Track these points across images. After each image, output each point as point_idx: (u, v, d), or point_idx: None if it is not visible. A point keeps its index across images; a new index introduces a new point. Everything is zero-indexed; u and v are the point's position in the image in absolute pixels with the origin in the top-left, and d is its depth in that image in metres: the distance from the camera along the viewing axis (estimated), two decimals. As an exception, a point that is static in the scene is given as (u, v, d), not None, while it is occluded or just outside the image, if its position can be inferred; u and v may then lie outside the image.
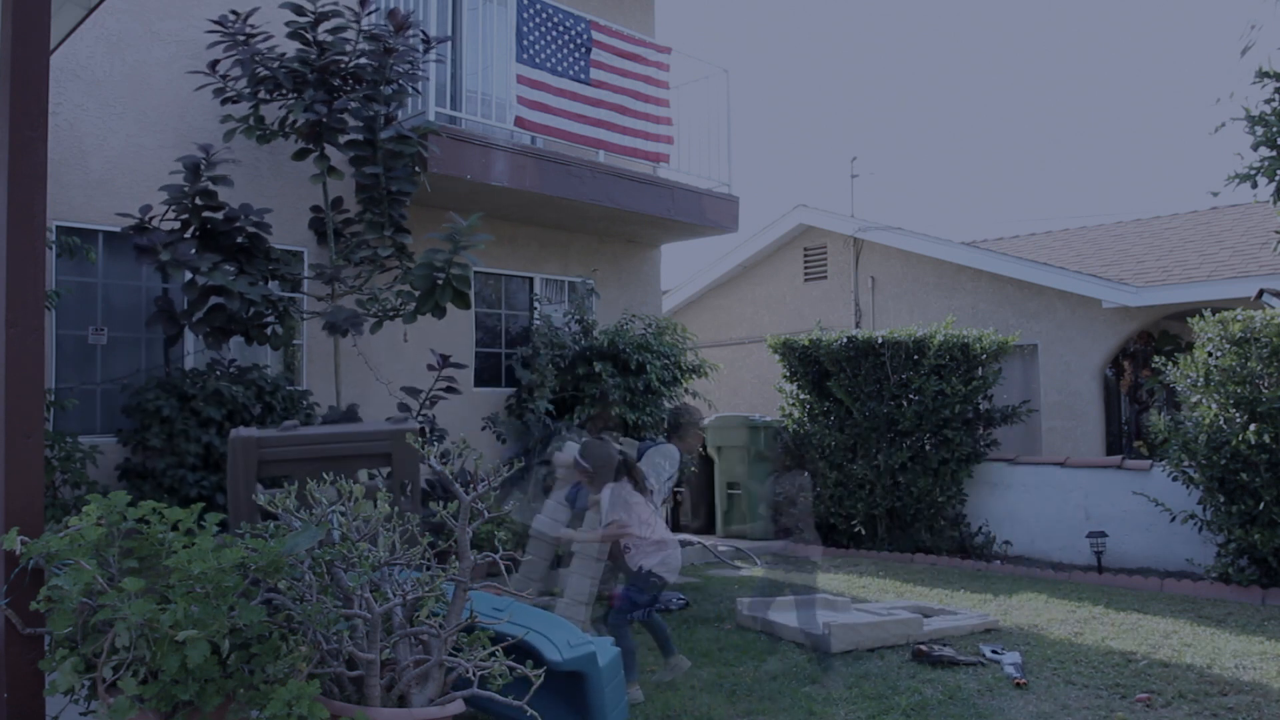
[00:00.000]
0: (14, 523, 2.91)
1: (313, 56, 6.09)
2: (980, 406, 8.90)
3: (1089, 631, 5.83)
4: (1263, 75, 6.96)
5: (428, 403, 6.50)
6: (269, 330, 6.03)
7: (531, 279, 8.78)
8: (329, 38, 6.15)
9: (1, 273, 3.00)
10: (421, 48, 6.32)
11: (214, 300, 5.71)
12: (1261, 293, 8.42)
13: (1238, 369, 6.75)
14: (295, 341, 6.75)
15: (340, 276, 6.29)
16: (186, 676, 2.63)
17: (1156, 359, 7.81)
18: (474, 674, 3.13)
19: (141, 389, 5.85)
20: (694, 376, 8.79)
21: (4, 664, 2.88)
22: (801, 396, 9.52)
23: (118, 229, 5.97)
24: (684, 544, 9.35)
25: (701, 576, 7.81)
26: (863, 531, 9.07)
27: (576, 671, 3.65)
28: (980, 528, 8.72)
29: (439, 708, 3.03)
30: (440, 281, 5.91)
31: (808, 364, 9.44)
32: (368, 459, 4.47)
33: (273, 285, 6.29)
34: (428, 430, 6.14)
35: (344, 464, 4.38)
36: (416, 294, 6.05)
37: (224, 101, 6.09)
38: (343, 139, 6.26)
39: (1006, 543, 8.60)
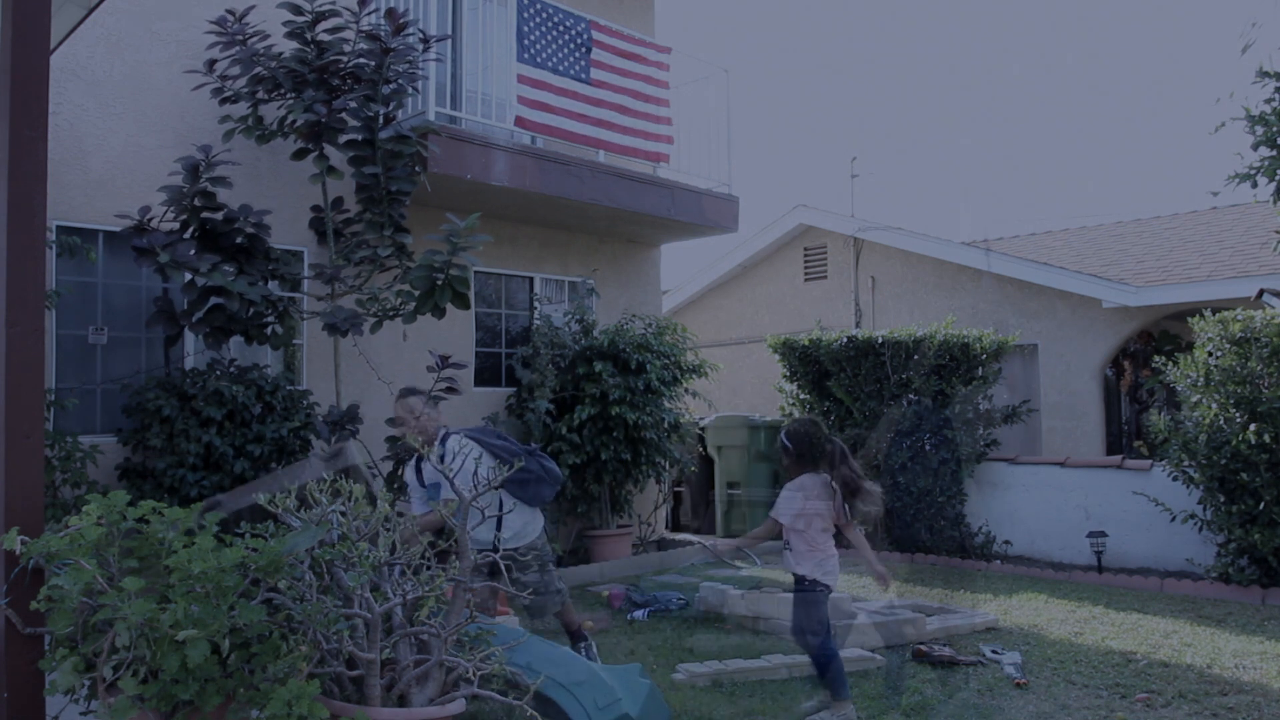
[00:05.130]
0: (14, 522, 2.91)
1: (311, 56, 6.08)
2: (980, 406, 8.90)
3: (1089, 631, 5.83)
4: (1263, 75, 6.97)
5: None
6: (269, 330, 6.02)
7: (531, 279, 8.78)
8: (327, 37, 6.14)
9: (2, 272, 2.99)
10: (420, 47, 6.32)
11: (214, 300, 5.70)
12: (1261, 293, 8.42)
13: (1238, 369, 6.76)
14: (295, 341, 6.75)
15: (340, 276, 6.29)
16: (186, 676, 2.63)
17: (1156, 359, 7.81)
18: (474, 674, 3.12)
19: (141, 389, 5.85)
20: (694, 376, 8.80)
21: (4, 664, 2.87)
22: (801, 396, 9.51)
23: (118, 229, 5.96)
24: (685, 544, 9.36)
25: (700, 576, 7.81)
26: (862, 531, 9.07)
27: None
28: (980, 528, 8.72)
29: (439, 707, 3.03)
30: (440, 282, 5.90)
31: (808, 364, 9.44)
32: None
33: (272, 285, 6.28)
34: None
35: None
36: (416, 294, 6.05)
37: (222, 102, 6.08)
38: (342, 139, 6.25)
39: (1006, 542, 8.59)
